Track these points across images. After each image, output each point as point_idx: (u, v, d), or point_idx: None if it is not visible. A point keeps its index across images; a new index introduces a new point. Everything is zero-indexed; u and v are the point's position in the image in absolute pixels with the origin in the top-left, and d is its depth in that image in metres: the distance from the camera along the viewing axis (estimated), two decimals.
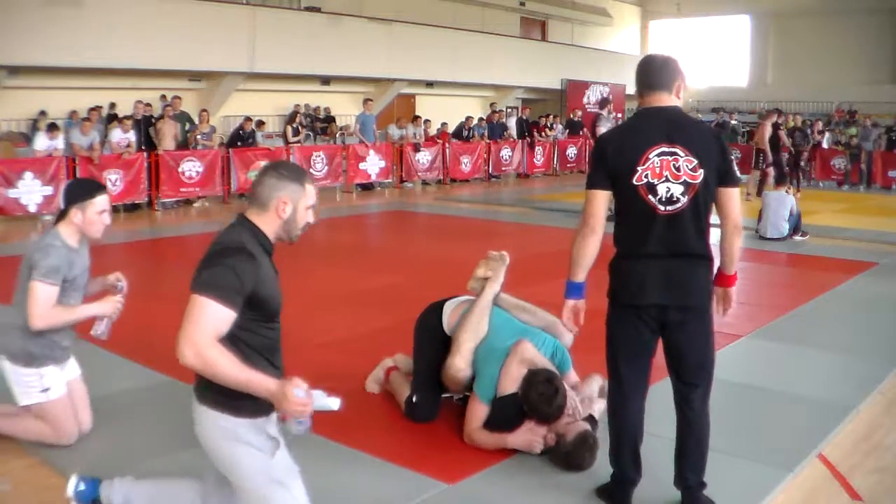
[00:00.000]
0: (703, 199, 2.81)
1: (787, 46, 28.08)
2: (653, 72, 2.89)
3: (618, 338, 2.98)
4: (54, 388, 3.38)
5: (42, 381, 3.35)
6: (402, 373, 4.20)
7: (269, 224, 2.46)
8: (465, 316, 3.79)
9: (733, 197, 2.87)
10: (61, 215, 3.35)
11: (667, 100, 2.87)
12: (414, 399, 3.86)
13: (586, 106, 24.46)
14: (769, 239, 9.60)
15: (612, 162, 2.84)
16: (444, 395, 3.99)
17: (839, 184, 17.69)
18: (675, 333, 2.90)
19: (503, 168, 18.47)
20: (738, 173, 2.88)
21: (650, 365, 3.01)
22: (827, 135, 19.12)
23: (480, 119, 18.92)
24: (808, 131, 16.68)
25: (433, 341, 3.90)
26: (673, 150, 2.78)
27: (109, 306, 3.38)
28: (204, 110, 13.98)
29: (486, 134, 18.19)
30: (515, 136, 19.06)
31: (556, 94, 24.66)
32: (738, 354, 5.08)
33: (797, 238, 9.76)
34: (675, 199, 2.79)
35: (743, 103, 26.85)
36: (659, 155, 2.78)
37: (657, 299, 2.84)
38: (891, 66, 26.35)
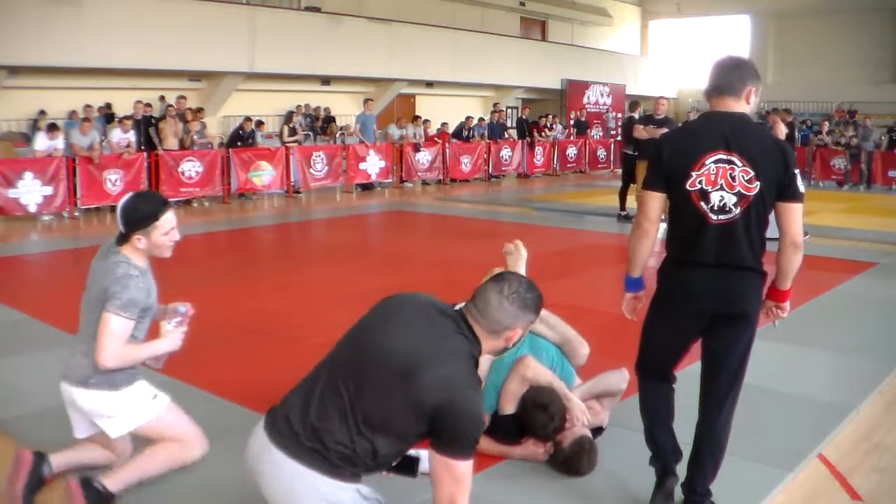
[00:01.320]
0: (756, 212, 2.70)
1: (787, 46, 28.07)
2: (721, 75, 2.77)
3: (656, 337, 2.95)
4: (159, 392, 3.01)
5: (147, 389, 2.99)
6: None
7: (490, 346, 2.23)
8: None
9: (793, 212, 2.73)
10: (123, 238, 2.91)
11: (734, 105, 2.75)
12: None
13: (586, 106, 24.48)
14: (769, 239, 9.55)
15: (667, 164, 2.76)
16: None
17: (839, 184, 17.71)
18: (717, 340, 2.84)
19: (503, 168, 18.47)
20: (802, 189, 2.74)
21: (683, 356, 3.00)
22: (827, 133, 19.12)
23: (481, 119, 18.92)
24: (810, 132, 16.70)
25: None
26: (730, 158, 2.68)
27: (178, 340, 3.01)
28: (189, 109, 13.93)
29: (486, 134, 18.20)
30: (515, 136, 19.07)
31: (556, 94, 24.66)
32: None
33: None
34: (727, 208, 2.69)
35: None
36: (716, 162, 2.69)
37: (705, 309, 2.78)
38: (891, 66, 26.35)
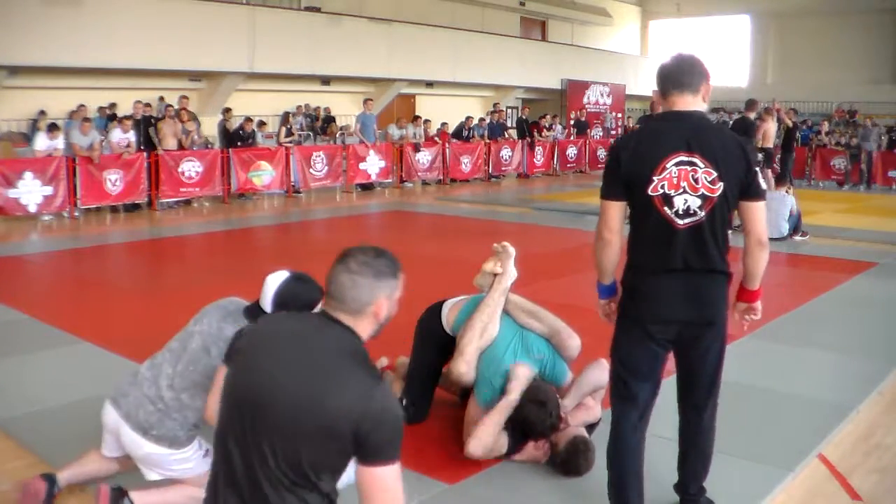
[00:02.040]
0: (720, 213, 2.63)
1: (787, 46, 28.10)
2: (682, 72, 2.67)
3: (630, 357, 2.80)
4: (210, 447, 2.92)
5: (201, 446, 2.97)
6: (397, 374, 4.19)
7: (365, 329, 2.09)
8: (470, 316, 3.68)
9: (757, 211, 2.68)
10: (258, 312, 2.79)
11: (692, 102, 2.67)
12: (403, 402, 3.83)
13: (586, 106, 24.49)
14: (769, 239, 9.60)
15: (626, 169, 2.63)
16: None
17: (839, 184, 17.72)
18: (691, 350, 2.78)
19: (503, 168, 18.47)
20: (763, 186, 2.70)
21: (659, 384, 2.88)
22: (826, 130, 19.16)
23: (480, 119, 18.92)
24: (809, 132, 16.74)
25: (431, 344, 3.86)
26: (692, 159, 2.58)
27: None
28: (183, 108, 13.92)
29: (486, 134, 18.20)
30: (515, 136, 19.07)
31: (556, 94, 24.67)
32: (738, 355, 5.04)
33: (797, 238, 9.76)
34: (692, 211, 2.60)
35: (743, 104, 26.79)
36: (677, 164, 2.58)
37: (676, 316, 2.68)
38: (891, 66, 26.36)
